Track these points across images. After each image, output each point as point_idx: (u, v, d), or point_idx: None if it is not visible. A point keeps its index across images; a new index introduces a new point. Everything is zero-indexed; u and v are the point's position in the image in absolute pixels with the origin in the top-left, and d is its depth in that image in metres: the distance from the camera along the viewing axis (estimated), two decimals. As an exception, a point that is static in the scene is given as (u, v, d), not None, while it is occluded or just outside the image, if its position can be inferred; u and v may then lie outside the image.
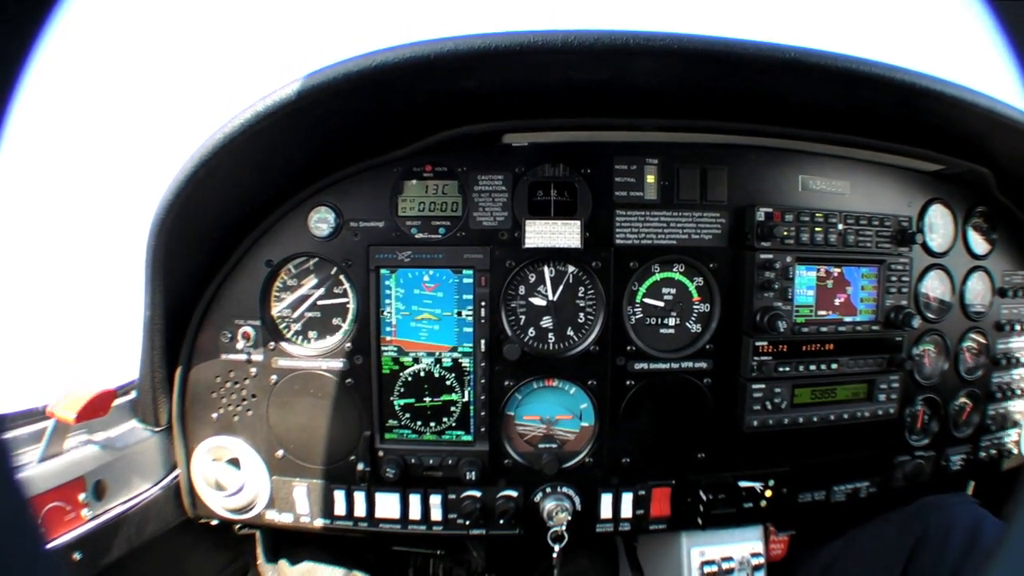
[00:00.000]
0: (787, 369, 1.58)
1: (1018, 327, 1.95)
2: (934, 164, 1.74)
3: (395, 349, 1.56)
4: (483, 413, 1.57)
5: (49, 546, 1.27)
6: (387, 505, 1.59)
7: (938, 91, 1.35)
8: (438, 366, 1.57)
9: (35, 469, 1.39)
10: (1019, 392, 1.99)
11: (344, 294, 1.56)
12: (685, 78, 1.34)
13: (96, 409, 1.51)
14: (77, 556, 1.34)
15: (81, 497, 1.45)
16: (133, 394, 1.63)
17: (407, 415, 1.59)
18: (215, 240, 1.53)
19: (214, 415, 1.59)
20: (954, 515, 1.67)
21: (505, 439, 1.60)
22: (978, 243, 1.89)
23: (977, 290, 1.89)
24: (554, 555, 1.56)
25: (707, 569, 1.69)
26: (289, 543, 1.89)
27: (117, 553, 1.43)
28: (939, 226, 1.81)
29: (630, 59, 1.22)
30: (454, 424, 1.59)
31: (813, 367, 1.61)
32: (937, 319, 1.81)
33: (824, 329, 1.61)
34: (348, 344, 1.55)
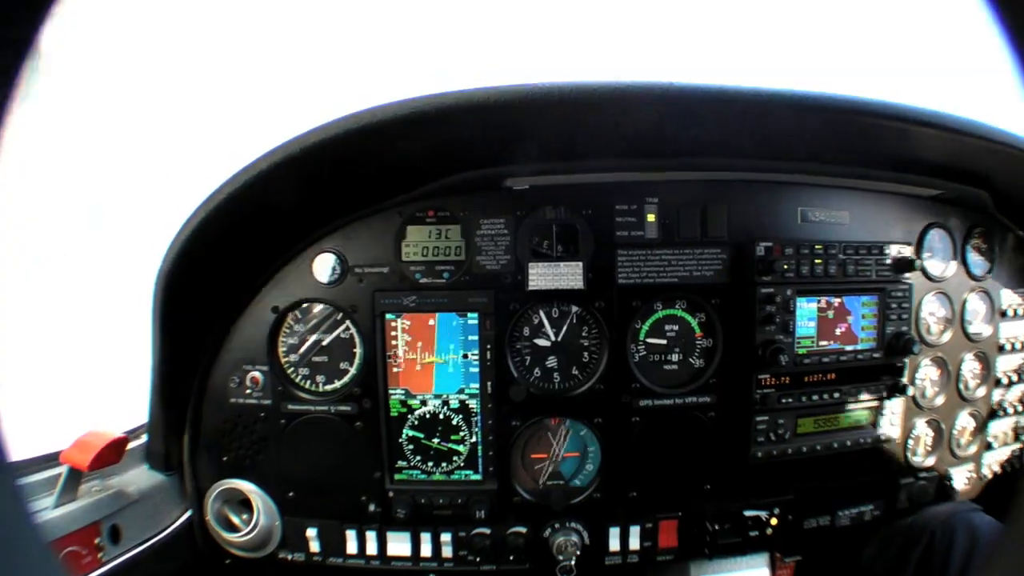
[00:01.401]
0: (790, 400, 1.60)
1: (1018, 346, 1.97)
2: (932, 189, 1.75)
3: (403, 392, 1.58)
4: (491, 453, 1.59)
5: None
6: (398, 544, 1.61)
7: (937, 123, 1.37)
8: (445, 408, 1.59)
9: (50, 515, 1.41)
10: (1021, 409, 2.00)
11: (351, 338, 1.58)
12: (685, 123, 1.36)
13: (109, 456, 1.53)
14: None
15: (97, 542, 1.47)
16: (144, 438, 1.65)
17: (416, 456, 1.61)
18: (221, 287, 1.55)
19: (224, 458, 1.61)
20: (956, 523, 1.69)
21: (513, 478, 1.62)
22: (977, 264, 1.89)
23: (977, 311, 1.90)
24: None
25: (715, 596, 1.71)
26: None
27: None
28: (938, 250, 1.82)
29: (631, 107, 1.24)
30: (463, 464, 1.61)
31: (816, 397, 1.62)
32: (938, 343, 1.82)
33: (826, 359, 1.63)
34: (356, 388, 1.57)
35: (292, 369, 1.59)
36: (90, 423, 1.60)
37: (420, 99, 1.21)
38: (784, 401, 1.60)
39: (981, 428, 1.95)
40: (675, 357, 1.61)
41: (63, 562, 1.36)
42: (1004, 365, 1.97)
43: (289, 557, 1.65)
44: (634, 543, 1.64)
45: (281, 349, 1.59)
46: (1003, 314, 1.93)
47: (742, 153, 1.51)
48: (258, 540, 1.63)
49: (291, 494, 1.62)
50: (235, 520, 1.63)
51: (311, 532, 1.62)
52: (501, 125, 1.32)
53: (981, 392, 1.93)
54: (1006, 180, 1.72)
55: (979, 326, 1.91)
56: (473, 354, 1.56)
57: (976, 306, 1.90)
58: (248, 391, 1.58)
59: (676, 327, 1.60)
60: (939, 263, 1.82)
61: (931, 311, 1.82)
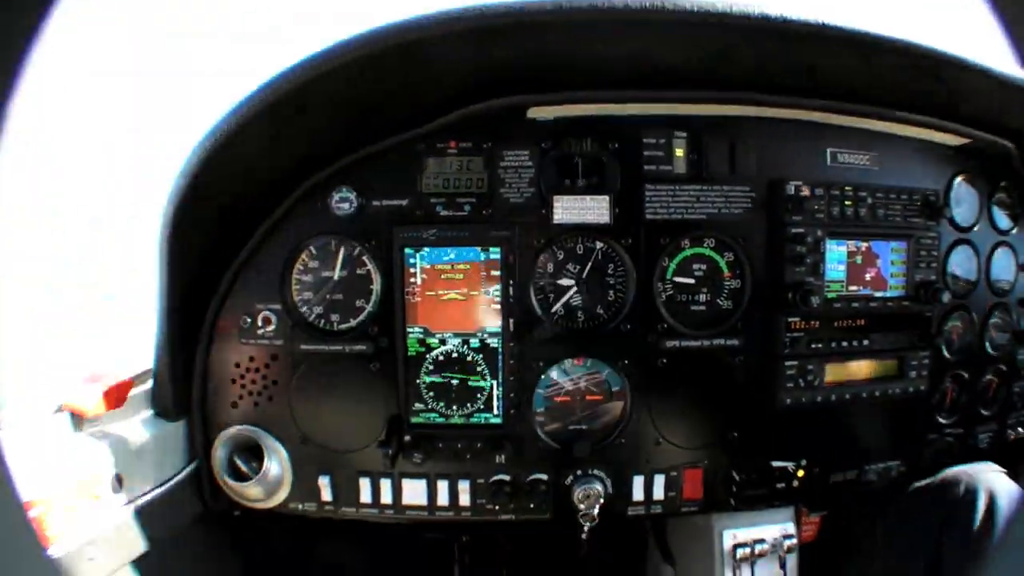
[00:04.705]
0: (819, 345, 1.56)
1: None
2: (958, 138, 1.72)
3: (421, 330, 1.53)
4: (512, 395, 1.53)
5: (62, 546, 1.22)
6: (414, 491, 1.56)
7: (962, 63, 1.34)
8: (465, 347, 1.53)
9: (49, 465, 1.34)
10: None
11: (367, 274, 1.52)
12: (712, 48, 1.32)
13: (112, 401, 1.46)
14: (92, 555, 1.29)
15: (98, 492, 1.40)
16: (149, 383, 1.58)
17: (434, 398, 1.55)
18: (233, 221, 1.49)
19: (234, 403, 1.55)
20: (979, 485, 1.66)
21: (535, 421, 1.56)
22: (1002, 218, 1.87)
23: (1003, 265, 1.88)
24: (583, 535, 1.52)
25: (739, 552, 1.66)
26: (312, 531, 1.85)
27: (135, 549, 1.38)
28: (964, 201, 1.80)
29: (660, 28, 1.20)
30: (482, 406, 1.55)
31: (845, 343, 1.58)
32: (965, 295, 1.79)
33: (855, 304, 1.59)
34: (373, 326, 1.51)
35: (306, 307, 1.53)
36: (91, 368, 1.54)
37: (446, 11, 1.16)
38: (813, 346, 1.56)
39: (1006, 386, 1.92)
40: (703, 297, 1.56)
41: (35, 520, 1.28)
42: (1028, 321, 1.94)
43: (300, 507, 1.59)
44: (658, 492, 1.59)
45: (294, 287, 1.52)
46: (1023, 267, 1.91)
47: (779, 88, 1.47)
48: (268, 489, 1.56)
49: (302, 440, 1.55)
50: (244, 469, 1.56)
51: (323, 481, 1.56)
52: (530, 45, 1.27)
53: (1005, 348, 1.89)
54: None
55: (1004, 280, 1.88)
56: (495, 290, 1.51)
57: (1002, 260, 1.87)
58: (260, 331, 1.52)
59: (704, 266, 1.56)
60: (966, 213, 1.79)
61: (958, 262, 1.79)
